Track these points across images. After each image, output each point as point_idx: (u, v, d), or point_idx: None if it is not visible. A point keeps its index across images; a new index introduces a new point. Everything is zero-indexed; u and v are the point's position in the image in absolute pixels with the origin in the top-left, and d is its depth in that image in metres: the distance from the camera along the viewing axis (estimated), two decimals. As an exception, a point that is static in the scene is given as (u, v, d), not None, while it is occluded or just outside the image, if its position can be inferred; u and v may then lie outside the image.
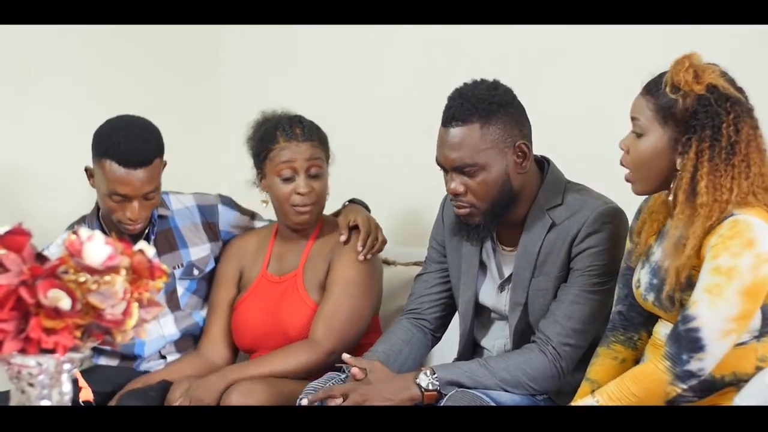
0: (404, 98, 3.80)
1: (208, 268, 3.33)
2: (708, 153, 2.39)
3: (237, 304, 3.27)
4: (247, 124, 3.29)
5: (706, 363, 2.39)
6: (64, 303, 1.89)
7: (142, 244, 1.98)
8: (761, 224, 2.36)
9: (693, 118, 2.40)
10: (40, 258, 1.98)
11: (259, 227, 3.40)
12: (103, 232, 3.18)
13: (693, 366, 2.38)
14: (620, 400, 2.44)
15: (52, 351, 1.91)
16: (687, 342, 2.38)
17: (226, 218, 3.38)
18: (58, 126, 3.66)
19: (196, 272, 3.30)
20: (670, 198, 2.47)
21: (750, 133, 2.43)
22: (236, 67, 4.21)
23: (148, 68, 3.95)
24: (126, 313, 1.93)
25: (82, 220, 3.29)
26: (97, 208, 3.27)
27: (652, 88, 2.46)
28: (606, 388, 2.50)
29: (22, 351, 1.91)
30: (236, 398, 2.90)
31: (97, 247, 1.92)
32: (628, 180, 2.54)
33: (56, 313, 1.89)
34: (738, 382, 2.46)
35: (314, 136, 3.17)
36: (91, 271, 1.91)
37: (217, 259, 3.34)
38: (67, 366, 1.95)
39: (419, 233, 3.55)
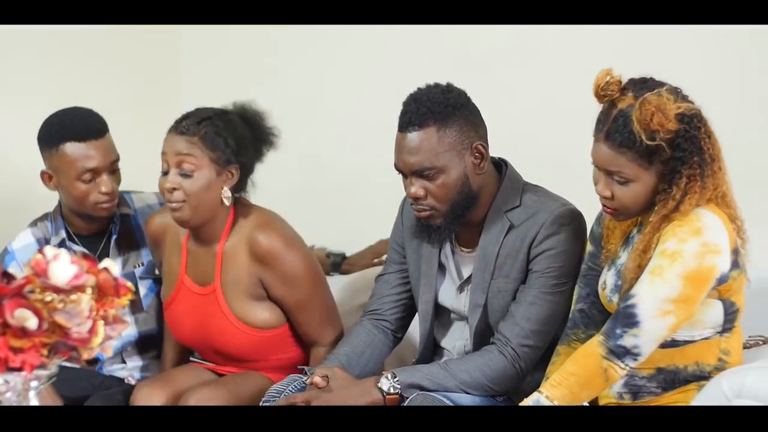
0: (361, 97, 3.84)
1: None
2: (699, 176, 2.45)
3: (166, 305, 3.19)
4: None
5: (641, 340, 2.43)
6: (31, 323, 1.91)
7: (106, 262, 2.01)
8: (712, 217, 2.44)
9: (679, 151, 2.44)
10: (6, 276, 2.00)
11: None
12: (66, 230, 3.21)
13: (626, 342, 2.44)
14: (561, 384, 2.49)
15: (19, 369, 1.94)
16: (623, 317, 2.45)
17: None
18: (21, 127, 3.65)
19: (157, 272, 3.30)
20: (651, 217, 2.51)
21: (713, 137, 2.50)
22: (197, 67, 4.22)
23: (109, 69, 3.98)
24: (92, 331, 1.96)
25: (45, 217, 3.30)
26: (60, 206, 3.27)
27: (625, 142, 2.45)
28: (550, 377, 2.56)
29: (-11, 369, 1.94)
30: (194, 403, 2.92)
31: (63, 267, 1.94)
32: (613, 216, 2.58)
33: (23, 332, 1.92)
34: (700, 375, 2.54)
35: (195, 130, 2.99)
36: (57, 290, 1.93)
37: None
38: (34, 383, 1.98)
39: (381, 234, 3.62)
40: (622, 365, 2.45)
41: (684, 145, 2.44)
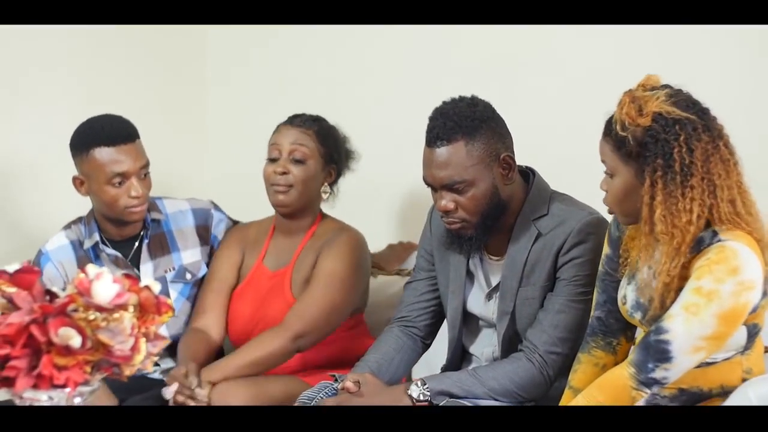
0: (391, 100, 3.85)
1: (200, 273, 3.39)
2: (661, 182, 2.43)
3: (233, 295, 3.35)
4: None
5: (671, 373, 2.46)
6: (75, 341, 1.96)
7: (147, 281, 2.05)
8: (747, 252, 2.41)
9: (645, 150, 2.43)
10: (49, 294, 2.04)
11: (259, 219, 3.45)
12: (100, 234, 3.27)
13: (657, 374, 2.46)
14: None
15: (62, 385, 1.98)
16: (655, 352, 2.45)
17: (218, 224, 3.46)
18: (49, 131, 3.70)
19: (188, 276, 3.37)
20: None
21: (708, 149, 2.44)
22: (222, 72, 4.25)
23: (134, 73, 3.99)
24: (134, 348, 2.00)
25: (79, 220, 3.36)
26: (93, 212, 3.33)
27: (607, 130, 2.51)
28: (576, 399, 2.58)
29: (34, 386, 1.98)
30: (216, 399, 2.98)
31: (106, 286, 1.99)
32: (610, 212, 2.61)
33: (67, 350, 1.97)
34: (725, 395, 2.53)
35: (310, 125, 3.27)
36: (100, 309, 1.98)
37: (208, 264, 3.41)
38: (77, 399, 2.02)
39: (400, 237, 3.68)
40: (648, 391, 2.48)
41: (650, 146, 2.42)
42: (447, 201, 2.79)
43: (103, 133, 3.20)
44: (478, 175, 2.77)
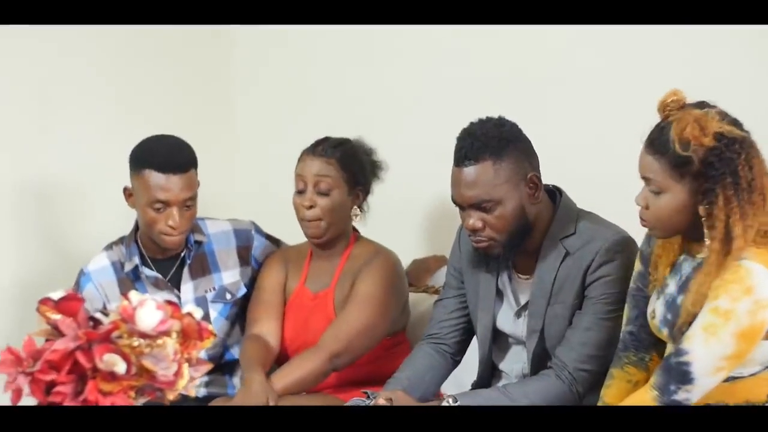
0: (419, 113, 3.88)
1: (240, 293, 3.43)
2: (735, 198, 2.47)
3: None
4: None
5: (693, 395, 2.50)
6: (120, 367, 2.00)
7: (189, 307, 2.10)
8: (760, 270, 2.45)
9: (711, 169, 2.47)
10: (93, 321, 2.09)
11: (298, 244, 3.50)
12: (140, 253, 3.33)
13: (680, 396, 2.50)
14: None
15: (107, 409, 2.03)
16: (677, 374, 2.49)
17: (259, 244, 3.51)
18: (83, 147, 3.79)
19: (228, 296, 3.41)
20: (705, 250, 2.54)
21: (759, 163, 2.52)
22: (249, 85, 4.29)
23: (164, 94, 4.07)
24: (178, 373, 2.05)
25: (120, 241, 3.42)
26: (135, 229, 3.38)
27: (660, 148, 2.52)
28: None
29: (80, 411, 2.03)
30: None
31: (149, 313, 2.03)
32: (647, 227, 2.62)
33: (112, 376, 2.01)
34: None
35: (331, 153, 3.28)
36: (144, 335, 2.02)
37: (248, 285, 3.45)
38: (121, 423, 2.07)
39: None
40: None
41: (716, 164, 2.46)
42: (475, 220, 2.84)
43: (158, 157, 3.23)
44: (505, 194, 2.81)
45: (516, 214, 2.83)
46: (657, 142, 2.53)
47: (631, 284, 2.80)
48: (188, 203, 3.26)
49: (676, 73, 3.31)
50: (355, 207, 3.34)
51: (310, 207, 3.25)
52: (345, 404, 3.00)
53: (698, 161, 2.48)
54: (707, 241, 2.52)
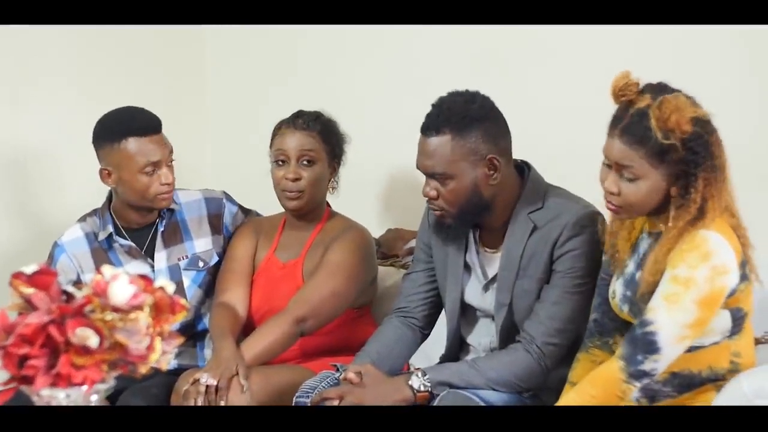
0: (389, 97, 3.91)
1: (212, 262, 3.47)
2: (713, 178, 2.51)
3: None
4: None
5: (659, 364, 2.54)
6: (93, 341, 2.00)
7: (162, 282, 2.10)
8: (718, 238, 2.50)
9: (691, 154, 2.50)
10: (66, 295, 2.09)
11: (270, 215, 3.53)
12: (114, 224, 3.36)
13: (646, 366, 2.53)
14: (581, 404, 2.59)
15: (79, 383, 2.03)
16: (643, 344, 2.53)
17: (230, 213, 3.53)
18: (55, 123, 3.81)
19: (201, 264, 3.45)
20: (669, 224, 2.56)
21: (720, 141, 2.56)
22: (222, 66, 4.31)
23: (136, 68, 4.09)
24: (150, 347, 2.05)
25: (93, 213, 3.44)
26: (109, 201, 3.40)
27: (639, 137, 2.52)
28: (568, 395, 2.66)
29: (52, 384, 2.03)
30: (234, 399, 3.01)
31: (122, 287, 2.03)
32: (615, 212, 2.64)
33: (85, 350, 2.01)
34: (715, 378, 2.62)
35: (313, 126, 3.32)
36: (117, 309, 2.02)
37: (219, 254, 3.47)
38: (93, 397, 2.07)
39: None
40: (639, 384, 2.56)
41: (697, 148, 2.50)
42: (429, 188, 2.87)
43: (134, 124, 3.28)
44: (458, 171, 2.82)
45: (469, 191, 2.84)
46: (634, 133, 2.53)
47: (600, 273, 2.83)
48: (171, 158, 3.33)
49: (646, 47, 3.35)
50: (333, 179, 3.37)
51: (295, 179, 3.28)
52: (313, 378, 3.00)
53: (681, 148, 2.50)
54: (671, 215, 2.55)
